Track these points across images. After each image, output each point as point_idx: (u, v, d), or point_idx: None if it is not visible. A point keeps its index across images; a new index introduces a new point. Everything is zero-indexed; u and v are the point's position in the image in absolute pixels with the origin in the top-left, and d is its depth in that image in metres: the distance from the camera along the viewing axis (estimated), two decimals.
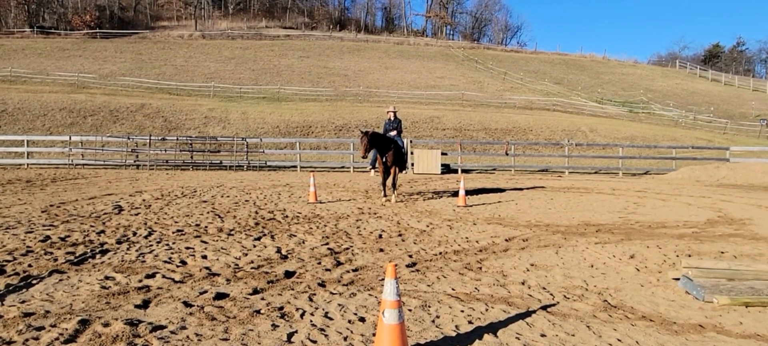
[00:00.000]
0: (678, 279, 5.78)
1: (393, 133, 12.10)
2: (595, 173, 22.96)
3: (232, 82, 42.90)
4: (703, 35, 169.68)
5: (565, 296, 5.31)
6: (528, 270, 6.30)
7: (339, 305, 4.79)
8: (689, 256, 7.09)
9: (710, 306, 5.10)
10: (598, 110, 41.59)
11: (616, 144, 24.87)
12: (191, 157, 22.63)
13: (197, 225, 8.57)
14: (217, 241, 7.36)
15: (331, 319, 4.45)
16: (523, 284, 5.72)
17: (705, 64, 73.87)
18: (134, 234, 7.69)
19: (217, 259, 6.33)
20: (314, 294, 5.07)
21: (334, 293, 5.12)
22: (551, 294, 5.37)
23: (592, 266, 6.56)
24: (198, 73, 45.42)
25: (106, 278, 5.43)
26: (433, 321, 4.47)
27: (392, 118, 12.34)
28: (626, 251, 7.35)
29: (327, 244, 7.37)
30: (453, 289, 5.41)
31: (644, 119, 40.25)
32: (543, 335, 4.26)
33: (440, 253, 7.02)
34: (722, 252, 7.43)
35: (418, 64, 55.60)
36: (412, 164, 20.97)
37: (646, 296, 5.44)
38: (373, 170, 12.39)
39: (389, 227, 8.84)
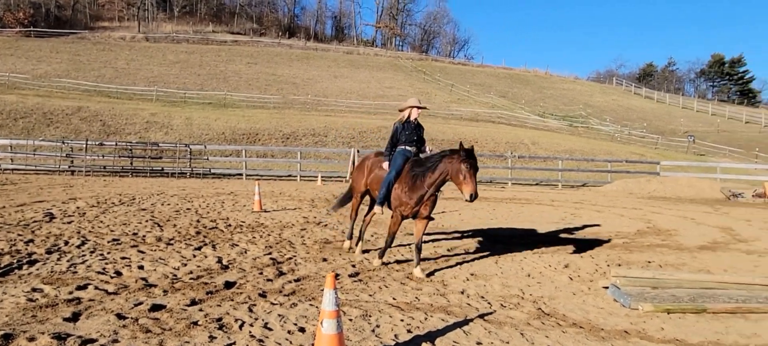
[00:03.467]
0: (607, 288, 6.07)
1: (410, 148, 6.89)
2: (537, 184, 23.71)
3: (176, 86, 41.78)
4: (638, 55, 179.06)
5: (502, 305, 5.48)
6: (468, 279, 6.46)
7: (279, 315, 4.77)
8: (619, 265, 7.45)
9: (635, 313, 5.39)
10: (540, 124, 43.01)
11: (557, 157, 25.79)
12: (131, 163, 21.85)
13: (135, 234, 8.30)
14: (155, 250, 7.16)
15: (270, 329, 4.43)
16: (462, 293, 5.86)
17: (640, 82, 77.75)
18: (66, 243, 7.37)
19: (155, 269, 6.16)
20: (254, 305, 5.02)
21: (274, 304, 5.09)
22: (489, 303, 5.53)
23: (529, 276, 6.79)
24: (140, 77, 43.99)
25: (34, 290, 5.18)
26: (373, 331, 4.52)
27: (413, 121, 6.99)
28: (561, 261, 7.65)
29: (270, 254, 7.30)
30: (394, 298, 5.48)
31: (583, 133, 41.93)
32: (479, 343, 4.39)
33: (383, 263, 7.08)
34: (649, 262, 7.86)
35: (368, 73, 55.90)
36: None
37: (577, 303, 5.69)
38: (380, 208, 6.89)
39: (334, 237, 8.85)
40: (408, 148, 6.85)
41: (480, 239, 9.26)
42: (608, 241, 9.51)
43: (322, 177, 21.38)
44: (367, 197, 7.78)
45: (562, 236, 9.96)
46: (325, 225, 10.07)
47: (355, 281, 6.09)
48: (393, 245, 8.04)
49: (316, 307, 5.04)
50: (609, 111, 52.79)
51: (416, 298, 5.55)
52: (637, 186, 21.31)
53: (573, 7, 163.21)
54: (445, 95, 50.39)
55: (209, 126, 29.30)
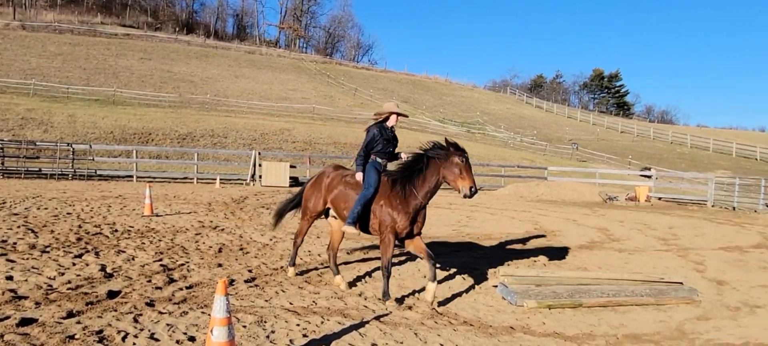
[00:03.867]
0: (496, 286, 6.41)
1: (380, 160, 6.11)
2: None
3: (58, 80, 38.45)
4: (530, 66, 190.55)
5: (397, 306, 5.60)
6: (366, 282, 6.53)
7: (168, 325, 4.54)
8: (508, 265, 7.89)
9: (521, 310, 5.74)
10: (440, 129, 44.47)
11: None
12: (2, 163, 19.79)
13: (3, 241, 7.51)
14: (27, 259, 6.53)
15: (157, 340, 4.20)
16: (360, 295, 5.92)
17: (531, 92, 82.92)
18: None
19: (26, 280, 5.62)
20: (140, 315, 4.74)
21: (163, 313, 4.84)
22: (385, 304, 5.62)
23: (425, 277, 6.98)
24: (15, 69, 40.00)
25: None
26: (268, 336, 4.43)
27: (391, 129, 6.32)
28: (456, 261, 7.96)
29: (160, 260, 6.93)
30: (291, 303, 5.42)
31: (480, 139, 43.95)
32: (374, 344, 4.45)
33: (282, 267, 6.98)
34: (535, 261, 8.39)
35: (270, 75, 54.85)
36: (260, 177, 20.60)
37: (469, 302, 5.95)
38: (353, 228, 5.88)
39: (230, 242, 8.58)
40: (379, 160, 6.01)
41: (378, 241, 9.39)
42: (500, 241, 10.03)
43: (220, 180, 20.67)
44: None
45: (457, 237, 10.36)
46: (222, 229, 9.74)
47: (251, 287, 5.94)
48: (296, 252, 7.95)
49: (209, 315, 4.86)
50: (503, 119, 55.78)
51: (313, 302, 5.53)
52: (527, 190, 22.66)
53: (471, 17, 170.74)
54: (349, 99, 50.66)
55: (96, 124, 27.27)
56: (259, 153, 21.69)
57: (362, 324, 4.90)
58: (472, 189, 5.54)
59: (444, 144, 5.76)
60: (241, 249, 8.00)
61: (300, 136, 30.23)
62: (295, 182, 21.40)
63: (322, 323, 4.87)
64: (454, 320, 5.33)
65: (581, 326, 5.31)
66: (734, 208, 20.35)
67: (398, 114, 6.28)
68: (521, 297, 5.86)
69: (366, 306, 5.51)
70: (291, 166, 21.45)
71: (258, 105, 40.50)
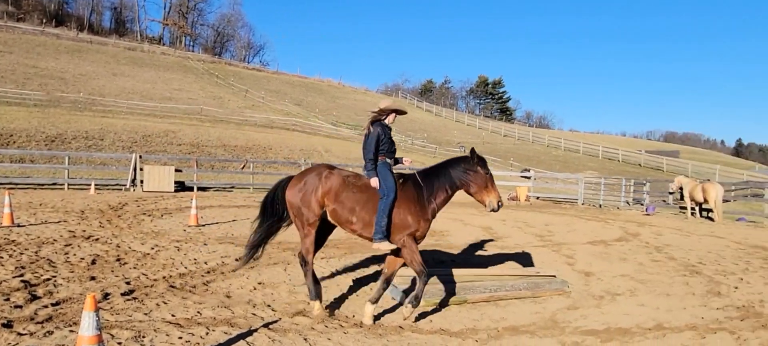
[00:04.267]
0: (386, 287, 6.51)
1: (389, 160, 5.68)
2: None
3: None
4: (420, 71, 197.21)
5: (288, 312, 5.51)
6: (255, 289, 6.36)
7: None
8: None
9: (409, 309, 5.87)
10: (333, 132, 44.54)
11: (348, 164, 26.94)
12: None
13: None
14: None
15: None
16: (248, 303, 5.74)
17: (421, 97, 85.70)
18: None
19: None
20: None
21: (23, 334, 4.36)
22: (275, 311, 5.51)
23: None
24: None
25: None
26: None
27: (390, 124, 5.87)
28: (348, 264, 7.99)
29: (21, 275, 6.24)
30: (173, 315, 5.13)
31: None
32: None
33: (164, 277, 6.59)
34: (424, 261, 8.64)
35: (153, 73, 51.72)
36: (142, 181, 19.32)
37: (360, 304, 5.99)
38: (387, 244, 5.40)
39: (106, 252, 7.95)
40: (388, 160, 5.58)
41: (270, 247, 9.17)
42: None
43: (96, 185, 19.10)
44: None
45: (349, 240, 10.40)
46: (97, 239, 8.99)
47: (128, 300, 5.54)
48: (182, 261, 7.55)
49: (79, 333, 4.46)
50: (395, 122, 56.91)
51: (198, 312, 5.28)
52: None
53: (364, 21, 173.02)
54: (240, 101, 49.16)
55: None
56: (141, 156, 20.36)
57: (250, 333, 4.75)
58: (499, 203, 5.46)
59: (469, 156, 5.61)
60: (119, 260, 7.44)
61: (186, 139, 28.79)
62: (181, 186, 20.35)
63: (207, 334, 4.66)
64: (345, 322, 5.34)
65: (465, 322, 5.55)
66: (600, 205, 22.41)
67: (398, 111, 5.85)
68: (411, 297, 6.00)
69: (255, 314, 5.36)
70: (176, 170, 20.34)
71: (139, 105, 38.01)
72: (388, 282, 5.63)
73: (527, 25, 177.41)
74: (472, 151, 5.61)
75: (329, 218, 5.65)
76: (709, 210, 17.46)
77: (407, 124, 57.36)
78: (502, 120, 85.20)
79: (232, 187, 22.35)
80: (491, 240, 11.27)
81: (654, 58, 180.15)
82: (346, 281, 7.01)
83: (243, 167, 23.58)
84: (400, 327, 5.27)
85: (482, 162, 5.52)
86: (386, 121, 5.73)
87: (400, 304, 6.00)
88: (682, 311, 6.19)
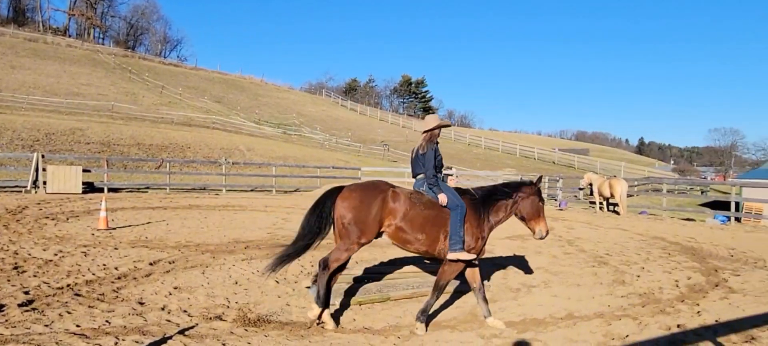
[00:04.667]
0: (310, 287, 6.43)
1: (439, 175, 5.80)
2: (252, 190, 23.87)
3: None
4: (344, 70, 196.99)
5: (205, 317, 5.30)
6: (170, 294, 6.07)
7: None
8: None
9: (333, 308, 5.82)
10: (255, 130, 43.53)
11: (271, 163, 26.41)
12: None
13: None
14: None
15: None
16: (163, 309, 5.47)
17: (346, 95, 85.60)
18: None
19: None
20: None
21: None
22: (191, 316, 5.29)
23: (236, 283, 6.74)
24: None
25: None
26: None
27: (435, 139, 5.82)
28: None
29: None
30: (78, 326, 4.79)
31: (296, 141, 44.01)
32: None
33: (68, 285, 6.15)
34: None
35: (58, 67, 48.22)
36: (45, 183, 17.96)
37: (281, 306, 5.87)
38: (469, 254, 5.40)
39: (2, 260, 7.29)
40: (438, 175, 5.62)
41: (187, 249, 8.82)
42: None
43: None
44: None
45: (272, 241, 10.19)
46: None
47: (27, 311, 5.11)
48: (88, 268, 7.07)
49: None
50: (319, 121, 56.62)
51: (107, 322, 4.96)
52: None
53: (287, 18, 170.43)
54: (155, 97, 46.91)
55: None
56: (43, 156, 18.93)
57: (164, 340, 4.53)
58: (547, 231, 5.61)
59: (528, 182, 5.71)
60: (16, 268, 6.86)
61: (96, 137, 27.08)
62: (89, 187, 19.11)
63: (116, 344, 4.39)
64: (266, 325, 5.21)
65: (389, 319, 5.58)
66: None
67: (444, 126, 5.88)
68: (333, 296, 5.95)
69: (170, 320, 5.11)
70: (84, 171, 19.08)
71: (42, 101, 35.34)
72: (483, 293, 5.65)
73: (448, 25, 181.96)
74: (539, 179, 5.76)
75: (388, 237, 5.47)
76: (615, 204, 18.66)
77: (331, 123, 57.13)
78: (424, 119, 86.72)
79: (147, 188, 21.28)
80: None
81: (566, 60, 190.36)
82: (267, 282, 6.83)
83: (158, 167, 22.50)
84: (323, 328, 5.20)
85: (539, 192, 5.64)
86: (431, 134, 5.72)
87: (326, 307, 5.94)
88: (590, 300, 6.56)
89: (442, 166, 5.71)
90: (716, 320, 5.78)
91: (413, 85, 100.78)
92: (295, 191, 24.78)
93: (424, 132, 5.70)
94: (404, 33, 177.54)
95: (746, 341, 5.12)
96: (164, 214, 13.54)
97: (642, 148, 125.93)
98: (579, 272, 8.17)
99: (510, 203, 5.63)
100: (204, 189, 22.52)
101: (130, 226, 11.17)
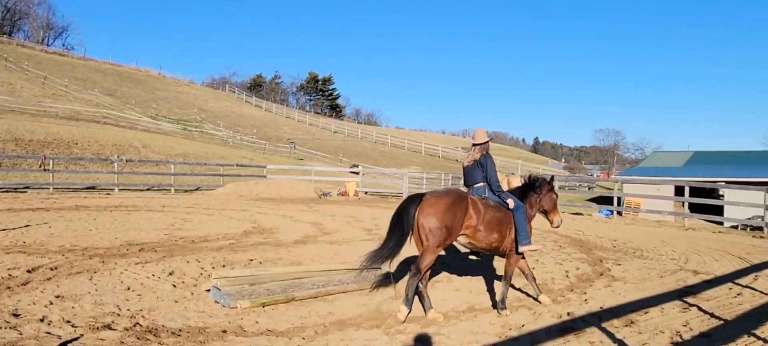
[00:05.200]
0: (210, 290, 6.15)
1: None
2: (148, 189, 22.54)
3: None
4: (249, 65, 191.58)
5: (92, 327, 4.89)
6: (52, 303, 5.54)
7: None
8: (223, 266, 7.68)
9: (235, 311, 5.61)
10: (152, 126, 41.18)
11: (169, 161, 25.08)
12: None
13: None
14: None
15: None
16: (42, 321, 4.98)
17: (250, 91, 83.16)
18: None
19: None
20: None
21: None
22: (75, 327, 4.86)
23: (128, 289, 6.30)
24: None
25: None
26: None
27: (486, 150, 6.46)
28: (166, 269, 7.38)
29: None
30: None
31: (197, 137, 42.16)
32: None
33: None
34: (251, 260, 8.36)
35: None
36: None
37: (179, 311, 5.56)
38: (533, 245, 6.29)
39: None
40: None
41: (72, 253, 8.12)
42: (216, 243, 9.71)
43: None
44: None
45: (170, 242, 9.67)
46: None
47: None
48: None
49: None
50: (223, 117, 54.63)
51: None
52: (246, 188, 22.63)
53: (187, 7, 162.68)
54: (36, 88, 42.93)
55: None
56: None
57: None
58: (561, 221, 6.58)
59: (547, 180, 6.59)
60: None
61: None
62: None
63: None
64: (162, 332, 4.90)
65: (293, 320, 5.46)
66: None
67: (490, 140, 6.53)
68: (234, 298, 5.74)
69: (50, 333, 4.66)
70: None
71: None
72: (533, 278, 6.52)
73: (355, 23, 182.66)
74: (552, 178, 6.64)
75: (465, 239, 5.99)
76: None
77: (235, 119, 55.38)
78: (332, 117, 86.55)
79: (27, 187, 19.43)
80: (320, 236, 11.32)
81: (467, 59, 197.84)
82: (164, 286, 6.45)
83: (41, 165, 20.59)
84: (223, 331, 4.98)
85: (553, 188, 6.57)
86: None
87: (225, 307, 5.70)
88: (490, 292, 6.83)
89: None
90: (601, 307, 6.23)
91: (320, 82, 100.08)
92: (196, 189, 23.74)
93: (476, 145, 6.31)
94: (311, 29, 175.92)
95: (626, 325, 5.56)
96: (46, 216, 12.42)
97: (537, 147, 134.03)
98: (479, 266, 8.48)
99: (538, 198, 6.45)
100: (93, 188, 20.95)
101: (4, 229, 10.12)
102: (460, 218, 5.74)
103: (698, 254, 10.43)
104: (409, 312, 5.59)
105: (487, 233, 5.91)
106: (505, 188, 19.03)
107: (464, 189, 6.47)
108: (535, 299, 6.42)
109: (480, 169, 6.21)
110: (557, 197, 6.60)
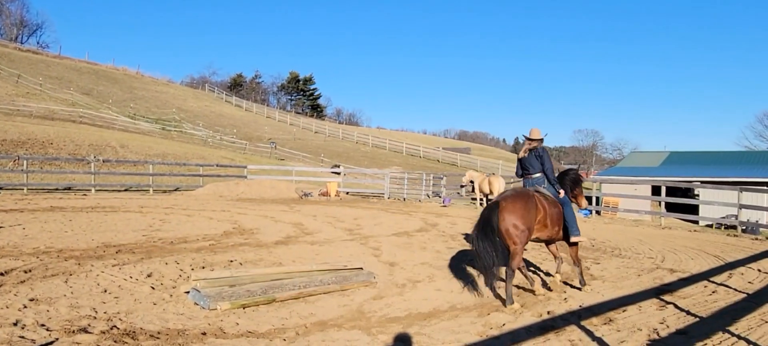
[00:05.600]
0: (189, 292, 6.07)
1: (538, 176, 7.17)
2: (126, 190, 22.19)
3: None
4: (229, 64, 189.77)
5: (67, 331, 4.79)
6: (25, 307, 5.42)
7: None
8: (203, 268, 7.59)
9: (214, 313, 5.55)
10: (130, 126, 40.58)
11: (148, 161, 24.72)
12: None
13: None
14: None
15: None
16: (15, 325, 4.86)
17: (231, 91, 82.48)
18: None
19: None
20: None
21: None
22: (50, 330, 4.76)
23: (105, 291, 6.19)
24: None
25: None
26: None
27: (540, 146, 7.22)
28: (144, 270, 7.27)
29: None
30: None
31: (176, 137, 41.64)
32: None
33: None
34: (231, 261, 8.28)
35: None
36: None
37: (157, 314, 5.48)
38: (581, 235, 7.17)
39: None
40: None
41: (47, 256, 7.95)
42: (196, 244, 9.60)
43: None
44: None
45: (148, 243, 9.52)
46: None
47: None
48: None
49: None
50: (202, 116, 54.06)
51: None
52: (227, 189, 22.42)
53: (165, 5, 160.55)
54: (10, 87, 42.01)
55: None
56: None
57: None
58: (588, 205, 7.48)
59: (577, 171, 7.55)
60: None
61: None
62: None
63: None
64: (140, 335, 4.82)
65: (274, 322, 5.42)
66: (404, 199, 23.94)
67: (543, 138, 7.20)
68: (214, 300, 5.67)
69: (23, 337, 4.55)
70: None
71: None
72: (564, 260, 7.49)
73: (336, 22, 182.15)
74: (579, 167, 7.64)
75: (534, 234, 6.59)
76: None
77: (215, 119, 54.87)
78: (313, 117, 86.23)
79: (0, 188, 18.99)
80: (301, 236, 11.26)
81: (447, 59, 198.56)
82: (142, 289, 6.35)
83: (15, 163, 20.13)
84: (203, 333, 4.92)
85: (581, 176, 7.52)
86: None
87: (204, 309, 5.64)
88: (471, 292, 6.86)
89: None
90: (580, 306, 6.30)
91: (301, 82, 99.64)
92: (175, 190, 23.46)
93: (531, 140, 7.06)
94: (292, 29, 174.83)
95: (605, 323, 5.63)
96: (20, 217, 12.15)
97: (517, 147, 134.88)
98: (460, 266, 8.52)
99: (578, 187, 7.32)
100: (69, 189, 20.57)
101: None
102: (534, 217, 6.39)
103: (674, 252, 10.61)
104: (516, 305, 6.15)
105: (552, 225, 6.69)
106: (486, 189, 19.44)
107: (519, 179, 7.43)
108: (579, 288, 7.10)
109: (538, 161, 6.97)
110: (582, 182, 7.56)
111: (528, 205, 6.32)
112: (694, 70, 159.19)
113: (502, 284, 6.49)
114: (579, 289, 7.10)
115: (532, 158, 6.99)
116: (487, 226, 6.17)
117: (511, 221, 6.15)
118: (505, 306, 6.08)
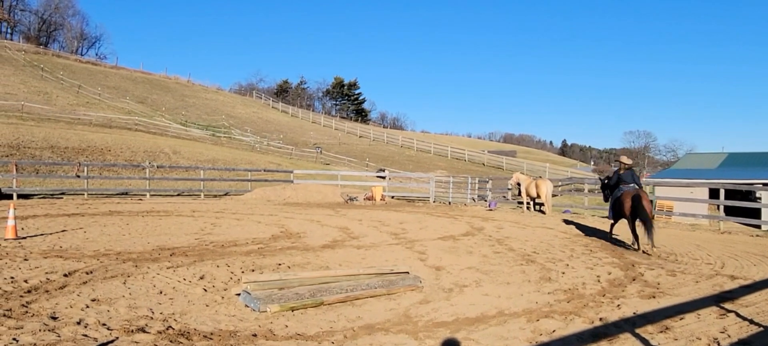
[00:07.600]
0: (239, 294, 6.22)
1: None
2: (178, 195, 22.96)
3: None
4: (276, 71, 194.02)
5: (126, 330, 4.99)
6: (88, 307, 5.68)
7: None
8: (252, 271, 7.76)
9: (264, 315, 5.66)
10: (182, 132, 41.96)
11: (199, 166, 25.53)
12: None
13: None
14: None
15: None
16: (79, 323, 5.10)
17: (277, 97, 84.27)
18: None
19: None
20: None
21: None
22: (111, 330, 4.97)
23: (161, 293, 6.41)
24: None
25: None
26: None
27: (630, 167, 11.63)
28: (197, 273, 7.50)
29: None
30: None
31: (225, 143, 42.80)
32: None
33: None
34: (279, 264, 8.43)
35: None
36: None
37: (210, 315, 5.64)
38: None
39: None
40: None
41: (107, 258, 8.31)
42: (245, 247, 9.83)
43: None
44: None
45: (200, 246, 9.82)
46: None
47: None
48: None
49: None
50: (250, 122, 55.38)
51: (14, 339, 4.55)
52: (274, 193, 22.86)
53: (214, 16, 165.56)
54: (71, 97, 44.20)
55: None
56: None
57: None
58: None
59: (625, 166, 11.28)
60: None
61: (3, 139, 25.14)
62: None
63: None
64: (194, 335, 4.97)
65: (322, 324, 5.48)
66: (449, 202, 23.78)
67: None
68: (264, 303, 5.79)
69: (86, 335, 4.77)
70: None
71: None
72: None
73: (381, 27, 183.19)
74: (621, 163, 11.27)
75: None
76: (541, 204, 19.41)
77: (262, 125, 56.08)
78: (357, 121, 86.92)
79: (63, 193, 19.99)
80: (347, 240, 11.36)
81: (493, 63, 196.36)
82: (195, 290, 6.55)
83: (77, 171, 21.16)
84: (254, 335, 5.03)
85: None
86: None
87: (255, 311, 5.76)
88: (519, 297, 6.74)
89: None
90: (634, 312, 6.09)
91: (346, 87, 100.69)
92: (225, 194, 24.08)
93: (626, 164, 11.25)
94: (336, 34, 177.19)
95: (661, 331, 5.42)
96: (81, 221, 12.74)
97: (565, 150, 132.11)
98: (508, 270, 8.39)
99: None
100: (126, 194, 21.44)
101: (42, 235, 10.42)
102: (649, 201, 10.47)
103: (735, 258, 10.12)
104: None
105: (648, 209, 10.19)
106: (533, 193, 20.03)
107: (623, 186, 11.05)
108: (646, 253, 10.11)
109: (632, 178, 11.00)
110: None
111: (646, 196, 10.42)
112: (752, 68, 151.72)
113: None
114: (632, 298, 6.87)
115: (627, 175, 11.05)
116: (637, 206, 10.15)
117: (647, 203, 10.26)
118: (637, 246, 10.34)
